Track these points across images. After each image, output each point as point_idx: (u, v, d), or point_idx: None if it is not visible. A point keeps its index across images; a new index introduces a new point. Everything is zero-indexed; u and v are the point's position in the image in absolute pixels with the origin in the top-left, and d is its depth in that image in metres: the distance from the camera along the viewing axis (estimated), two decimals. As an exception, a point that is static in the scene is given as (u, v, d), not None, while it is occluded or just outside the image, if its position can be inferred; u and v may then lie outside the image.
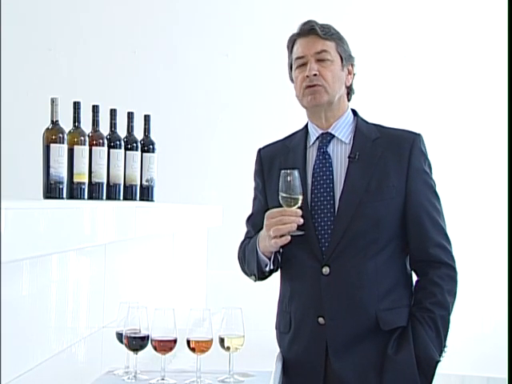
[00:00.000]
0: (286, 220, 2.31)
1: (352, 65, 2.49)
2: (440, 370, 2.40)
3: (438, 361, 2.38)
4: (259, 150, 2.60)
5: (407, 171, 2.39)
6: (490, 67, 6.08)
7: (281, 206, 2.33)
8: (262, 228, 2.50)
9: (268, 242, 2.35)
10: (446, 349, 2.41)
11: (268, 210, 2.48)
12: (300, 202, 2.31)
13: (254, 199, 2.61)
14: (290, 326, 2.46)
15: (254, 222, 2.58)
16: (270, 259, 2.42)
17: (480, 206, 6.09)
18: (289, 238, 2.32)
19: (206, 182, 6.30)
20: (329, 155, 2.44)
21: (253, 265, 2.47)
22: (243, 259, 2.57)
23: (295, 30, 2.48)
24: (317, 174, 2.43)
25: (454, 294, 2.42)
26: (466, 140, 6.13)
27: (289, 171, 2.32)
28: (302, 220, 2.31)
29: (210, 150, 6.31)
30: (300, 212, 2.31)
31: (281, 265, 2.49)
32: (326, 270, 2.38)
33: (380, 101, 5.94)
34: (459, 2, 6.15)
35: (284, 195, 2.31)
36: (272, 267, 2.44)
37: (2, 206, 1.73)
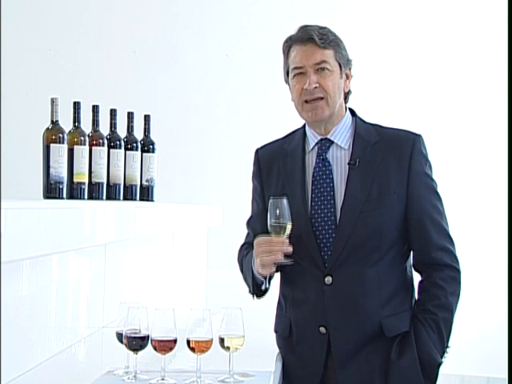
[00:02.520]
0: (272, 249, 2.30)
1: (350, 68, 2.45)
2: (440, 370, 2.40)
3: (441, 363, 2.38)
4: (257, 151, 2.57)
5: (408, 175, 2.37)
6: (491, 67, 6.08)
7: (268, 233, 2.33)
8: (260, 232, 2.51)
9: (258, 267, 2.36)
10: (448, 349, 2.40)
11: (264, 213, 2.48)
12: (288, 230, 2.30)
13: (253, 201, 2.59)
14: (289, 330, 2.45)
15: (253, 226, 2.58)
16: (265, 278, 2.41)
17: (479, 206, 6.08)
18: (273, 268, 2.32)
19: (206, 182, 6.30)
20: (328, 162, 2.41)
21: (249, 282, 2.47)
22: (241, 270, 2.57)
23: (292, 32, 2.41)
24: (317, 182, 2.40)
25: (457, 296, 2.41)
26: (466, 140, 6.13)
27: (276, 199, 2.31)
28: (290, 249, 2.29)
29: (210, 150, 6.31)
30: (287, 241, 2.30)
31: (281, 269, 2.46)
32: (328, 279, 2.36)
33: (380, 101, 5.94)
34: (459, 2, 6.14)
35: (273, 223, 2.31)
36: (267, 286, 2.43)
37: (1, 206, 1.73)
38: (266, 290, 2.45)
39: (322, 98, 2.36)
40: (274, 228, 2.31)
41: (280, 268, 2.40)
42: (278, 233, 2.30)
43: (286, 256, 2.30)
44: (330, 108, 2.38)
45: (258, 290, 2.46)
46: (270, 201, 2.32)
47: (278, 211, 2.30)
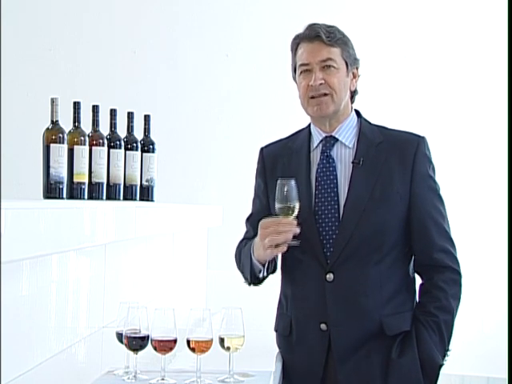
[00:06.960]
0: (282, 230, 2.28)
1: (357, 68, 2.46)
2: (440, 371, 2.39)
3: (442, 364, 2.38)
4: (261, 149, 2.57)
5: (411, 176, 2.38)
6: (491, 67, 6.08)
7: (274, 215, 2.31)
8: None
9: (262, 251, 2.32)
10: (449, 352, 2.41)
11: (269, 212, 2.47)
12: (297, 210, 2.29)
13: (254, 199, 2.59)
14: (290, 329, 2.45)
15: (254, 222, 2.57)
16: (263, 266, 2.40)
17: (480, 207, 6.08)
18: (285, 247, 2.29)
19: (206, 182, 6.30)
20: (333, 159, 2.42)
21: (247, 270, 2.46)
22: (239, 261, 2.56)
23: (300, 30, 2.43)
24: (320, 178, 2.41)
25: (458, 298, 2.42)
26: (466, 140, 6.13)
27: (285, 181, 2.30)
28: (298, 230, 2.28)
29: (210, 149, 6.31)
30: (295, 222, 2.28)
31: (282, 268, 2.48)
32: (330, 276, 2.36)
33: (380, 101, 5.93)
34: (459, 3, 6.14)
35: (280, 205, 2.29)
36: (265, 274, 2.43)
37: (2, 206, 1.73)
38: (264, 278, 2.45)
39: (326, 95, 2.38)
40: (282, 209, 2.29)
41: (285, 257, 2.39)
42: (287, 214, 2.29)
43: (293, 237, 2.29)
44: (335, 104, 2.39)
45: (254, 279, 2.46)
46: (278, 182, 2.30)
47: (285, 192, 2.28)
